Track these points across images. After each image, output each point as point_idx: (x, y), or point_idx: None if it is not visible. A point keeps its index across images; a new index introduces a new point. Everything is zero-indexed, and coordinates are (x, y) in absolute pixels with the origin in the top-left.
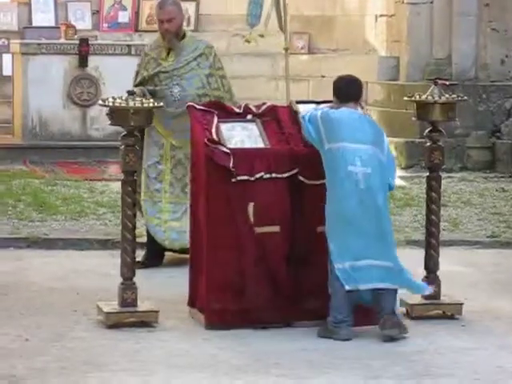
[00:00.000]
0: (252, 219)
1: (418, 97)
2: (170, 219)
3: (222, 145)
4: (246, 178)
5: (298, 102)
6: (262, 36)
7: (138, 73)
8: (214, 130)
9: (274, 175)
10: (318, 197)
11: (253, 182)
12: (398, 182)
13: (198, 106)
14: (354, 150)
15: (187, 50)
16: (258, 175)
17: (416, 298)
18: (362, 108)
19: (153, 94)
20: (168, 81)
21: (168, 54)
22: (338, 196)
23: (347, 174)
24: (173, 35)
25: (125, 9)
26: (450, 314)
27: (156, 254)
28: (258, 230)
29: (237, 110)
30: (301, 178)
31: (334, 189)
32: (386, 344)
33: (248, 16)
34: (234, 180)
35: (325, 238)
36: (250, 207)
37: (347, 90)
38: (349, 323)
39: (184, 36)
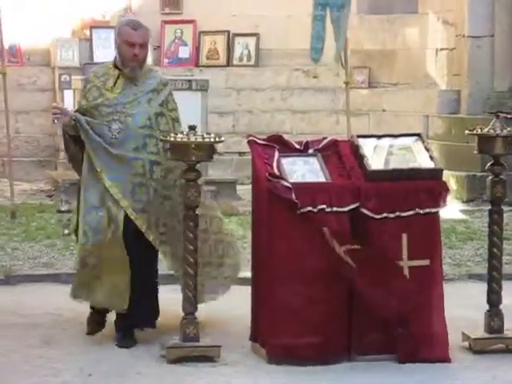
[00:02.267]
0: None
1: (479, 130)
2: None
3: (284, 179)
4: (308, 209)
5: (359, 137)
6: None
7: (79, 100)
8: (275, 165)
9: (335, 209)
10: (382, 232)
11: (315, 214)
12: (459, 215)
13: (259, 141)
14: None
15: (140, 83)
16: (320, 207)
17: (479, 332)
18: None
19: (92, 128)
20: (109, 116)
21: (115, 84)
22: None
23: None
24: (138, 64)
25: (185, 44)
26: None
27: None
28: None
29: (297, 146)
30: (364, 210)
31: None
32: (450, 380)
33: (311, 51)
34: (297, 212)
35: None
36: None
37: None
38: None
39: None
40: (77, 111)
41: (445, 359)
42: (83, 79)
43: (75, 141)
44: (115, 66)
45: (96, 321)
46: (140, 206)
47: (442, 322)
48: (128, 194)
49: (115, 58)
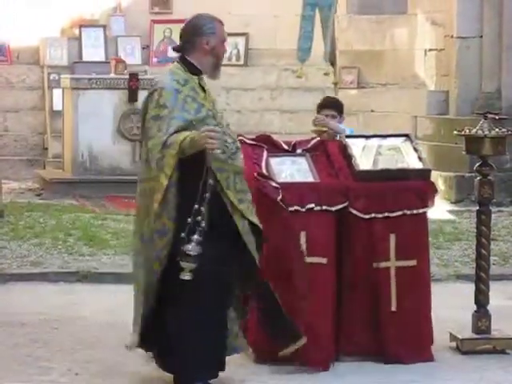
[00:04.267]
0: (304, 248)
1: (467, 131)
2: None
3: (272, 179)
4: (296, 208)
5: (348, 137)
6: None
7: (169, 114)
8: (263, 165)
9: (324, 207)
10: (370, 232)
11: (304, 213)
12: (447, 216)
13: (247, 141)
14: None
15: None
16: (308, 206)
17: (466, 333)
18: None
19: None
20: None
21: (204, 92)
22: None
23: None
24: None
25: (174, 43)
26: (501, 348)
27: None
28: (309, 259)
29: (285, 147)
30: (352, 210)
31: None
32: (438, 381)
33: (298, 51)
34: (284, 211)
35: (383, 274)
36: (303, 236)
37: None
38: None
39: None
40: (182, 129)
41: (428, 359)
42: (165, 88)
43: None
44: (191, 72)
45: None
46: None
47: (429, 323)
48: (251, 215)
49: (188, 62)
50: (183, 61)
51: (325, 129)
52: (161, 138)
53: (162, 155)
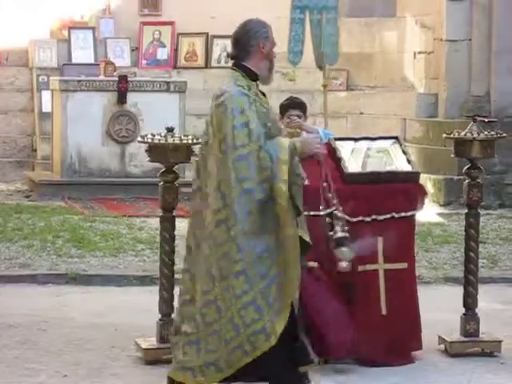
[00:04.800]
0: None
1: (456, 134)
2: None
3: None
4: None
5: (337, 139)
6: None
7: (251, 120)
8: None
9: (311, 212)
10: (358, 235)
11: None
12: (436, 218)
13: None
14: None
15: None
16: None
17: (455, 336)
18: None
19: None
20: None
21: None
22: None
23: None
24: None
25: (164, 46)
26: (489, 351)
27: None
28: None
29: None
30: (339, 214)
31: None
32: (426, 383)
33: (289, 53)
34: None
35: (371, 276)
36: None
37: None
38: None
39: None
40: (265, 133)
41: (410, 361)
42: (235, 95)
43: None
44: (250, 78)
45: None
46: None
47: (417, 325)
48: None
49: (245, 68)
50: (240, 67)
51: (299, 130)
52: (257, 143)
53: (270, 162)
